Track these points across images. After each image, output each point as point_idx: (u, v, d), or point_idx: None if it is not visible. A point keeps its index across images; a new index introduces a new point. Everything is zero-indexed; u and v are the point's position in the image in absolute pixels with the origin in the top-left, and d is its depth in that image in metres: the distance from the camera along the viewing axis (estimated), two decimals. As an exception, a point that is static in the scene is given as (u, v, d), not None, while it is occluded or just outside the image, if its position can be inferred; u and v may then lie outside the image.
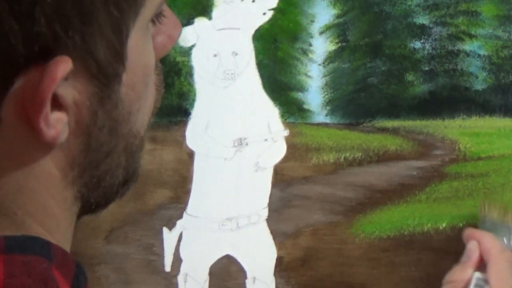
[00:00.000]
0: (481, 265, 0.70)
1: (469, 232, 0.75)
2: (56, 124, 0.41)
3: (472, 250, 0.73)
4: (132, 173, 0.49)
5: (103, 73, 0.42)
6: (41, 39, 0.39)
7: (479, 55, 1.62)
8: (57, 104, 0.41)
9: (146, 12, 0.44)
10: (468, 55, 1.63)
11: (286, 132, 1.54)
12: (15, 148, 0.42)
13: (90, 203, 0.47)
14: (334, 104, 1.57)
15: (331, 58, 1.54)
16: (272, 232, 1.59)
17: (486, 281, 0.68)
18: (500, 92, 1.61)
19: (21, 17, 0.38)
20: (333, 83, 1.53)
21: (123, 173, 0.48)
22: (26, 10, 0.38)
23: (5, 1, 0.37)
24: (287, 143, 1.57)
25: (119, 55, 0.42)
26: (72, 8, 0.39)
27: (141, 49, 0.44)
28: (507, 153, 1.86)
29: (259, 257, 1.86)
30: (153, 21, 0.46)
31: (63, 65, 0.39)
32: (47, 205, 0.44)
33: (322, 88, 1.53)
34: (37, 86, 0.40)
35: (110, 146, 0.45)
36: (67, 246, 0.47)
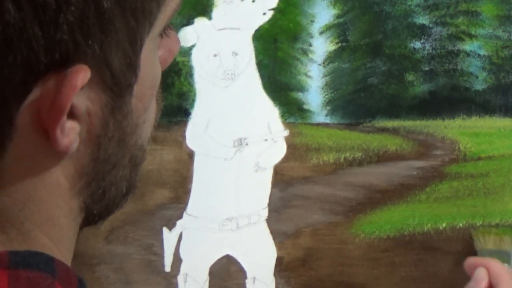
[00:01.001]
0: None
1: (473, 260, 0.74)
2: (70, 133, 0.41)
3: (481, 276, 0.72)
4: (133, 186, 0.49)
5: (117, 83, 0.41)
6: (63, 46, 0.39)
7: (479, 55, 1.62)
8: (70, 113, 0.41)
9: (159, 24, 0.44)
10: (468, 55, 1.63)
11: (286, 132, 1.54)
12: (27, 156, 0.42)
13: (93, 214, 0.47)
14: (334, 104, 1.57)
15: (331, 58, 1.54)
16: (272, 232, 1.59)
17: None
18: (500, 92, 1.61)
19: (45, 23, 0.38)
20: (333, 83, 1.54)
21: (126, 185, 0.47)
22: (50, 16, 0.38)
23: (31, 7, 0.37)
24: (287, 143, 1.57)
25: (133, 65, 0.42)
26: (93, 16, 0.39)
27: (151, 61, 0.44)
28: (507, 153, 1.86)
29: (259, 257, 1.86)
30: (160, 35, 0.46)
31: (83, 74, 0.39)
32: (54, 216, 0.44)
33: (322, 88, 1.53)
34: (56, 94, 0.40)
35: (117, 158, 0.45)
36: (69, 257, 0.47)
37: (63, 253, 0.45)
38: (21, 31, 0.38)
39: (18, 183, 0.42)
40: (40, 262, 0.42)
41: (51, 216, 0.43)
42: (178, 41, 0.50)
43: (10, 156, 0.41)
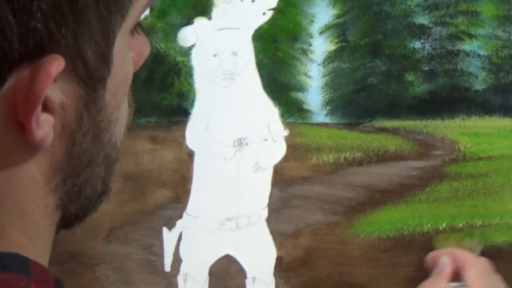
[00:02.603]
0: (455, 278, 0.70)
1: (434, 253, 0.74)
2: (45, 126, 0.41)
3: (446, 262, 0.72)
4: (107, 186, 0.48)
5: (91, 75, 0.41)
6: (37, 35, 0.39)
7: (479, 55, 1.63)
8: (44, 105, 0.41)
9: (130, 18, 0.43)
10: (468, 55, 1.63)
11: (286, 132, 1.54)
12: (1, 151, 0.41)
13: (70, 214, 0.46)
14: (334, 104, 1.57)
15: (331, 58, 1.54)
16: (272, 232, 1.59)
17: (462, 286, 0.69)
18: (500, 92, 1.61)
19: (19, 11, 0.38)
20: (333, 83, 1.54)
21: (102, 184, 0.47)
22: (24, 4, 0.38)
23: None
24: (287, 143, 1.57)
25: (105, 58, 0.42)
26: (66, 5, 0.39)
27: (123, 57, 0.44)
28: (507, 153, 1.86)
29: (259, 257, 1.86)
30: (131, 32, 0.46)
31: (57, 63, 0.39)
32: (29, 212, 0.43)
33: (322, 88, 1.53)
34: (30, 84, 0.39)
35: (92, 154, 0.44)
36: (46, 255, 0.46)
37: (39, 251, 0.44)
38: None
39: None
40: (15, 263, 0.41)
41: (26, 212, 0.43)
42: (147, 43, 0.49)
43: None
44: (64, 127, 0.42)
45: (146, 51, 0.49)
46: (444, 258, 0.73)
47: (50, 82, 0.39)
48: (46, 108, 0.40)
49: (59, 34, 0.39)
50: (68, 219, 0.47)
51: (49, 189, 0.43)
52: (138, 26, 0.48)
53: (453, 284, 0.69)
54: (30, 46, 0.38)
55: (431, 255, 0.74)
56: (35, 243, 0.44)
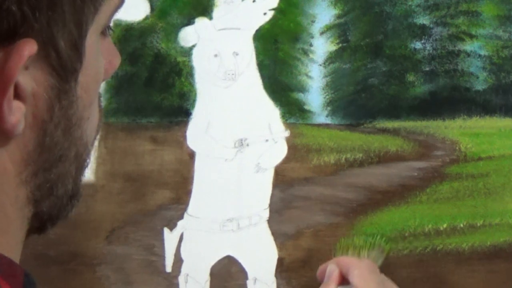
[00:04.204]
0: (343, 283, 0.73)
1: (322, 265, 0.77)
2: (16, 112, 0.40)
3: (333, 269, 0.74)
4: (78, 188, 0.48)
5: (63, 65, 0.41)
6: (10, 17, 0.39)
7: (479, 55, 1.63)
8: (16, 93, 0.40)
9: (103, 14, 0.43)
10: (468, 55, 1.63)
11: (287, 133, 1.54)
12: None
13: (42, 212, 0.46)
14: (335, 105, 1.57)
15: (331, 58, 1.54)
16: (273, 233, 1.59)
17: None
18: (500, 92, 1.61)
19: None
20: (334, 84, 1.54)
21: (73, 184, 0.46)
22: None
23: None
24: (288, 144, 1.57)
25: (78, 49, 0.41)
26: None
27: (95, 53, 0.44)
28: (507, 153, 1.86)
29: (260, 258, 1.86)
30: (103, 33, 0.46)
31: (30, 46, 0.39)
32: (0, 203, 0.43)
33: (323, 89, 1.53)
34: (2, 66, 0.39)
35: (63, 149, 0.44)
36: (17, 251, 0.45)
37: (10, 244, 0.44)
38: None
39: None
40: None
41: None
42: (118, 55, 0.49)
43: None
44: (35, 117, 0.41)
45: (116, 62, 0.49)
46: (331, 265, 0.75)
47: (22, 63, 0.38)
48: (18, 96, 0.40)
49: (33, 17, 0.38)
50: (41, 218, 0.46)
51: (20, 180, 0.43)
52: (109, 30, 0.48)
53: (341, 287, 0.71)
54: (3, 28, 0.38)
55: (320, 269, 0.77)
56: (6, 236, 0.43)
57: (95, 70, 0.44)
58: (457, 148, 1.60)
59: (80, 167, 0.46)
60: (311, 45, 1.49)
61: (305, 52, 1.50)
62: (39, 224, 0.46)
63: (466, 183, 1.77)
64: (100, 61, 0.45)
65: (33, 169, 0.43)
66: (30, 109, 0.41)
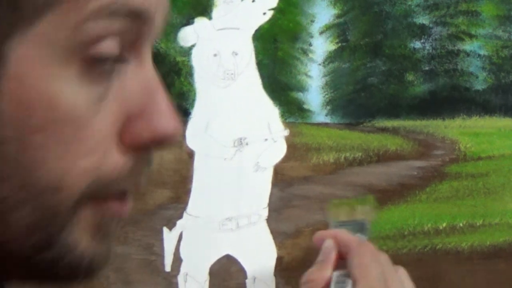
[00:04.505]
0: (339, 264, 0.68)
1: (321, 233, 0.69)
2: None
3: (329, 248, 0.68)
4: (52, 242, 0.36)
5: None
6: None
7: (479, 55, 1.63)
8: None
9: (51, 27, 0.35)
10: (468, 55, 1.63)
11: (286, 132, 1.54)
12: None
13: None
14: (334, 104, 1.57)
15: (331, 58, 1.54)
16: (272, 232, 1.59)
17: (347, 275, 0.66)
18: (500, 92, 1.62)
19: None
20: (333, 83, 1.54)
21: (31, 228, 0.35)
22: None
23: None
24: (287, 143, 1.57)
25: None
26: None
27: (41, 73, 0.35)
28: (507, 153, 1.87)
29: (259, 257, 1.86)
30: (93, 60, 0.35)
31: None
32: None
33: (322, 88, 1.53)
34: None
35: None
36: None
37: None
38: None
39: None
40: None
41: None
42: (170, 119, 0.37)
43: None
44: None
45: (166, 129, 0.36)
46: (328, 242, 0.69)
47: None
48: None
49: None
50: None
51: None
52: (116, 64, 0.36)
53: (337, 273, 0.67)
54: None
55: (317, 234, 0.70)
56: None
57: (39, 90, 0.35)
58: (456, 147, 1.61)
59: (48, 211, 0.35)
60: (310, 44, 1.49)
61: (305, 52, 1.50)
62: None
63: (465, 183, 1.78)
64: (60, 89, 0.35)
65: None
66: None
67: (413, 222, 1.70)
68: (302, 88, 1.49)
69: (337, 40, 1.48)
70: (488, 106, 1.55)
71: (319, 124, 1.53)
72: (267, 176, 1.78)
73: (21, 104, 0.35)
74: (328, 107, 1.50)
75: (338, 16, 1.47)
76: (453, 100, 1.54)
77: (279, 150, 1.59)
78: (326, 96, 1.50)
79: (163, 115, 0.37)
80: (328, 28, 1.48)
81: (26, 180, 0.35)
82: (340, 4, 1.47)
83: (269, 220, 1.57)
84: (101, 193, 0.37)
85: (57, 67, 0.36)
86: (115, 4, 0.35)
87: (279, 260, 1.56)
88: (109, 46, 0.36)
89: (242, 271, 1.57)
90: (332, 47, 1.49)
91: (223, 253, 1.54)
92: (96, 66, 0.36)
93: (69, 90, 0.36)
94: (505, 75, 1.53)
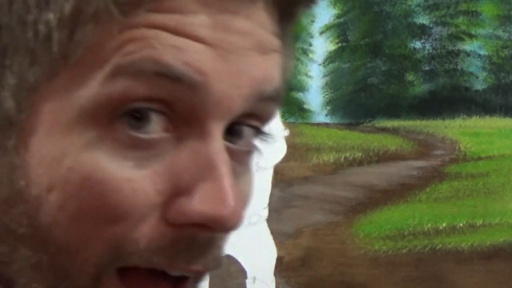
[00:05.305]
0: None
1: None
2: None
3: None
4: None
5: (2, 116, 0.32)
6: None
7: (479, 55, 1.63)
8: None
9: (72, 86, 0.32)
10: (468, 55, 1.63)
11: (286, 132, 1.55)
12: None
13: None
14: (334, 104, 1.57)
15: (331, 58, 1.54)
16: (272, 232, 1.59)
17: None
18: (500, 92, 1.62)
19: None
20: (333, 83, 1.54)
21: None
22: None
23: None
24: (287, 143, 1.58)
25: (16, 95, 0.33)
26: None
27: (59, 132, 0.33)
28: (507, 153, 1.87)
29: (259, 257, 1.85)
30: (130, 115, 0.32)
31: None
32: None
33: (322, 88, 1.53)
34: None
35: (7, 221, 0.33)
36: None
37: None
38: None
39: None
40: None
41: None
42: (225, 197, 0.33)
43: None
44: None
45: (219, 210, 0.32)
46: None
47: None
48: None
49: None
50: None
51: None
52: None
53: None
54: None
55: None
56: None
57: (59, 151, 0.32)
58: (456, 147, 1.61)
59: (61, 275, 0.33)
60: (310, 44, 1.50)
61: (305, 52, 1.50)
62: None
63: (465, 183, 1.78)
64: (77, 155, 0.33)
65: None
66: None
67: (413, 222, 1.71)
68: (302, 88, 1.49)
69: (337, 40, 1.49)
70: (488, 106, 1.55)
71: (319, 124, 1.53)
72: (267, 176, 1.78)
73: (39, 161, 0.33)
74: (328, 107, 1.51)
75: (338, 16, 1.47)
76: (453, 100, 1.54)
77: (279, 150, 1.59)
78: (326, 96, 1.50)
79: (215, 198, 0.33)
80: (328, 28, 1.48)
81: (45, 240, 0.33)
82: (340, 4, 1.47)
83: (269, 220, 1.57)
84: (127, 265, 0.34)
85: (82, 126, 0.33)
86: (140, 62, 0.32)
87: (279, 260, 1.57)
88: (142, 112, 0.33)
89: (242, 271, 1.57)
90: (332, 47, 1.50)
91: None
92: (131, 132, 0.33)
93: (93, 151, 0.33)
94: (505, 75, 1.53)
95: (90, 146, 0.32)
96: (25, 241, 0.33)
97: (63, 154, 0.32)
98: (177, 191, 0.33)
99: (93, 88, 0.31)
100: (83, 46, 0.31)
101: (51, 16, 0.31)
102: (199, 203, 0.32)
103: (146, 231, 0.33)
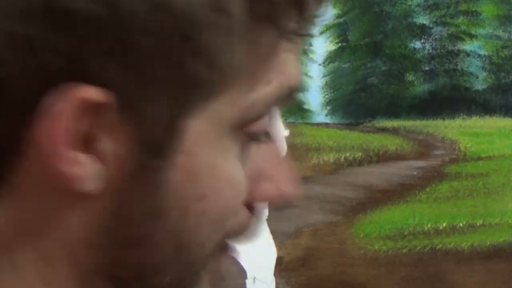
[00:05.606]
0: None
1: None
2: (84, 167, 0.34)
3: None
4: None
5: (149, 135, 0.35)
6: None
7: (479, 55, 1.63)
8: (91, 148, 0.34)
9: (223, 105, 0.36)
10: (468, 55, 1.63)
11: (286, 132, 1.55)
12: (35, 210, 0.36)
13: None
14: (334, 104, 1.57)
15: (331, 58, 1.54)
16: (272, 232, 1.59)
17: None
18: (500, 92, 1.62)
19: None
20: (333, 83, 1.54)
21: (173, 277, 0.39)
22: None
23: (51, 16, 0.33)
24: (287, 143, 1.57)
25: (169, 122, 0.35)
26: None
27: (209, 147, 0.37)
28: (507, 153, 1.87)
29: (259, 257, 1.86)
30: (253, 138, 0.38)
31: (85, 90, 0.35)
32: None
33: (322, 88, 1.53)
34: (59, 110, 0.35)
35: (144, 235, 0.37)
36: None
37: None
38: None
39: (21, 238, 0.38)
40: None
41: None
42: (291, 181, 0.42)
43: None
44: (113, 183, 0.36)
45: (288, 190, 0.42)
46: None
47: (75, 107, 0.34)
48: (94, 152, 0.34)
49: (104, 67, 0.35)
50: None
51: (89, 251, 0.37)
52: (272, 137, 0.41)
53: None
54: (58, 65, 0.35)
55: None
56: None
57: (210, 163, 0.37)
58: (456, 147, 1.61)
59: (190, 267, 0.39)
60: (310, 44, 1.50)
61: (305, 52, 1.50)
62: None
63: (465, 183, 1.78)
64: (228, 166, 0.38)
65: (104, 243, 0.36)
66: (109, 172, 0.35)
67: (413, 222, 1.71)
68: (302, 88, 1.49)
69: (337, 40, 1.49)
70: (488, 106, 1.55)
71: (319, 124, 1.53)
72: (267, 176, 1.78)
73: (188, 175, 0.37)
74: (328, 107, 1.51)
75: (338, 16, 1.47)
76: (453, 100, 1.54)
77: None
78: (326, 96, 1.50)
79: (291, 181, 0.42)
80: (328, 28, 1.48)
81: (179, 247, 0.38)
82: (340, 4, 1.47)
83: (269, 220, 1.57)
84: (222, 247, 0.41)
85: (224, 142, 0.38)
86: (284, 89, 0.38)
87: (279, 260, 1.57)
88: (266, 123, 0.39)
89: (242, 271, 1.57)
90: (332, 47, 1.50)
91: (223, 253, 1.54)
92: (251, 141, 0.39)
93: (230, 163, 0.38)
94: (505, 75, 1.53)
95: (233, 156, 0.38)
96: (162, 251, 0.37)
97: (213, 166, 0.37)
98: (257, 179, 0.40)
99: (240, 111, 0.37)
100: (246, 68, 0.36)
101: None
102: (281, 186, 0.41)
103: (243, 217, 0.40)
